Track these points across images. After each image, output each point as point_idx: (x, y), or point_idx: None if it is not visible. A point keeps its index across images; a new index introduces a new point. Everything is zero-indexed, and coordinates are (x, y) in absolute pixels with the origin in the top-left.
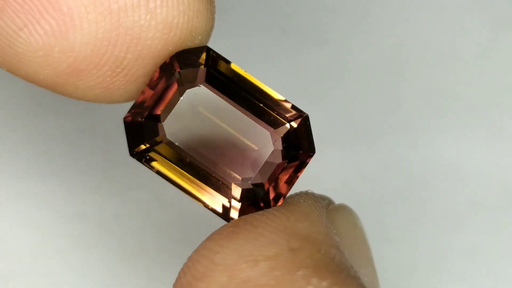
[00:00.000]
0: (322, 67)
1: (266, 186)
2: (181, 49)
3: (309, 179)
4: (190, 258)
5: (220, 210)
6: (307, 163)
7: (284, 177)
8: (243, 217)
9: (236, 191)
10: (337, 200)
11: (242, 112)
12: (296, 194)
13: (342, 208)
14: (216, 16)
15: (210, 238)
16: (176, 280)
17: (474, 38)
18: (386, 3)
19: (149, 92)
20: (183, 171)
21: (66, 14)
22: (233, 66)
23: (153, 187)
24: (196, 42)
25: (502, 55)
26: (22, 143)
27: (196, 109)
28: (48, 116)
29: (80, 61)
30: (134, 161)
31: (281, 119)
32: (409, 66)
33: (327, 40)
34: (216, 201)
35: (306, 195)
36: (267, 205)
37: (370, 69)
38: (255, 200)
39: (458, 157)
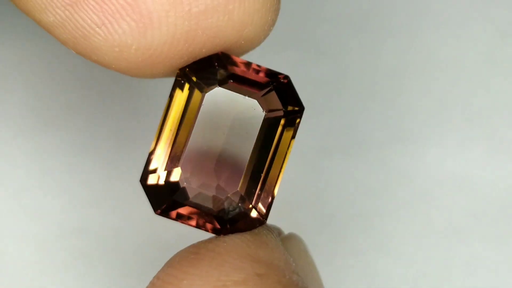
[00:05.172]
0: (323, 79)
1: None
2: (250, 42)
3: (311, 190)
4: (153, 285)
5: (154, 165)
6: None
7: (200, 216)
8: (202, 242)
9: (166, 172)
10: (339, 211)
11: (250, 160)
12: None
13: (293, 237)
14: None
15: (171, 264)
16: None
17: (476, 50)
18: (387, 13)
19: (240, 61)
20: (181, 120)
21: (145, 17)
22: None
23: None
24: (267, 33)
25: (504, 66)
26: (22, 157)
27: (239, 113)
28: (49, 130)
29: (156, 57)
30: (135, 176)
31: (255, 201)
32: (411, 77)
33: (328, 52)
34: (159, 158)
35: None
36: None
37: (372, 80)
38: (168, 190)
39: (460, 168)
